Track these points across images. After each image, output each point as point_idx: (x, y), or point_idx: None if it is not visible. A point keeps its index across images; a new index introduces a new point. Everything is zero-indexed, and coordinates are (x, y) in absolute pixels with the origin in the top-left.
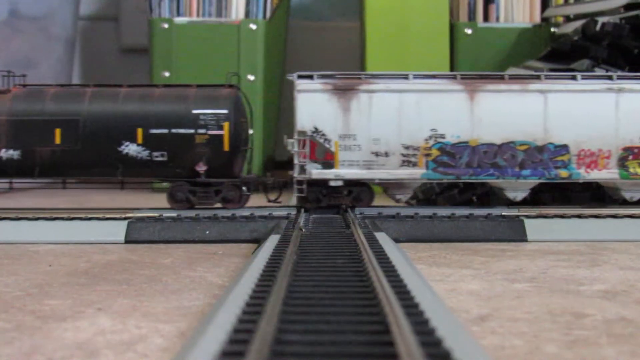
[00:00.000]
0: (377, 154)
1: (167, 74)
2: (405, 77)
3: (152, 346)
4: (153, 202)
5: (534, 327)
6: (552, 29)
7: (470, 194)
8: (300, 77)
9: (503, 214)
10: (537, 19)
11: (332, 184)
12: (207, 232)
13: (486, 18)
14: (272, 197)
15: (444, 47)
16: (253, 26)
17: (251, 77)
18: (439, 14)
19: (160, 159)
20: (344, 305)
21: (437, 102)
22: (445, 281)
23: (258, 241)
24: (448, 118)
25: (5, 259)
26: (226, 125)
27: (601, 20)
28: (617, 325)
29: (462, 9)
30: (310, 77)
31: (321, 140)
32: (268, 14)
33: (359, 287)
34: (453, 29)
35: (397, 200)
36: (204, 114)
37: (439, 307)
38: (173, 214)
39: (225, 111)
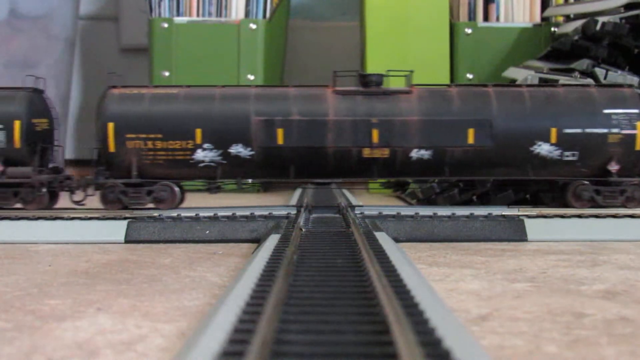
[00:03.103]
0: None
1: (167, 74)
2: None
3: (152, 346)
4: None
5: (534, 327)
6: (552, 29)
7: (470, 194)
8: None
9: (503, 213)
10: (537, 18)
11: None
12: (207, 231)
13: (486, 18)
14: None
15: (444, 46)
16: (253, 26)
17: (251, 77)
18: (439, 14)
19: (570, 158)
20: (344, 305)
21: None
22: (445, 281)
23: (258, 241)
24: None
25: (5, 259)
26: (638, 124)
27: (601, 20)
28: (617, 325)
29: (462, 8)
30: None
31: None
32: (268, 14)
33: (359, 286)
34: (453, 28)
35: None
36: (616, 114)
37: (439, 307)
38: (173, 213)
39: (636, 111)
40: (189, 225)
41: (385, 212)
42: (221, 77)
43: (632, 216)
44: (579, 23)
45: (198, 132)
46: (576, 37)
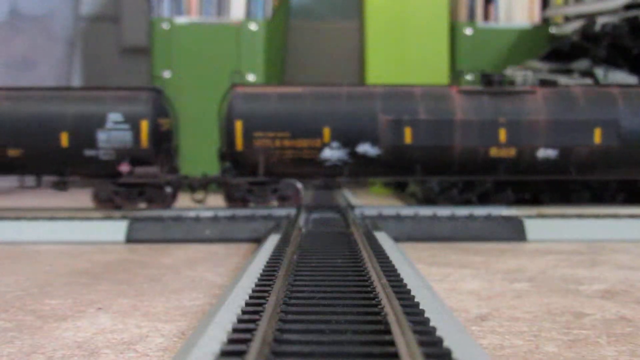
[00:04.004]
0: None
1: (167, 74)
2: None
3: (152, 346)
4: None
5: (534, 327)
6: (552, 29)
7: (470, 194)
8: None
9: (503, 214)
10: (537, 19)
11: None
12: (208, 231)
13: (486, 18)
14: None
15: (444, 47)
16: (253, 26)
17: (251, 77)
18: (439, 14)
19: None
20: (344, 305)
21: None
22: (445, 281)
23: (258, 241)
24: None
25: (5, 259)
26: None
27: (601, 20)
28: (616, 324)
29: (462, 9)
30: None
31: None
32: (268, 14)
33: (359, 286)
34: (453, 29)
35: None
36: None
37: (438, 307)
38: (173, 213)
39: None
40: (189, 225)
41: (385, 212)
42: (221, 77)
43: (632, 216)
44: (578, 23)
45: (326, 131)
46: (576, 38)
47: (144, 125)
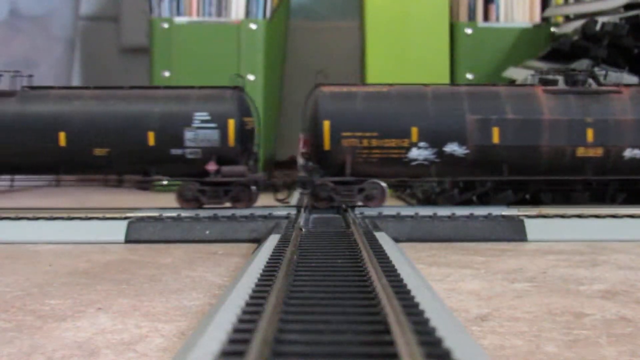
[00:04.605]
0: None
1: (167, 74)
2: None
3: (152, 346)
4: (153, 202)
5: (534, 327)
6: (552, 29)
7: (470, 194)
8: None
9: (503, 213)
10: (537, 19)
11: None
12: (207, 231)
13: (486, 18)
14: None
15: (444, 47)
16: (253, 26)
17: (251, 77)
18: (439, 14)
19: None
20: (344, 305)
21: None
22: (445, 281)
23: (258, 241)
24: None
25: (5, 259)
26: None
27: (601, 20)
28: (617, 325)
29: (462, 9)
30: None
31: None
32: (268, 14)
33: (359, 286)
34: (453, 29)
35: None
36: None
37: (439, 307)
38: (173, 213)
39: None
40: (189, 225)
41: (385, 212)
42: (221, 77)
43: (632, 216)
44: (578, 23)
45: (414, 131)
46: (576, 38)
47: (231, 124)
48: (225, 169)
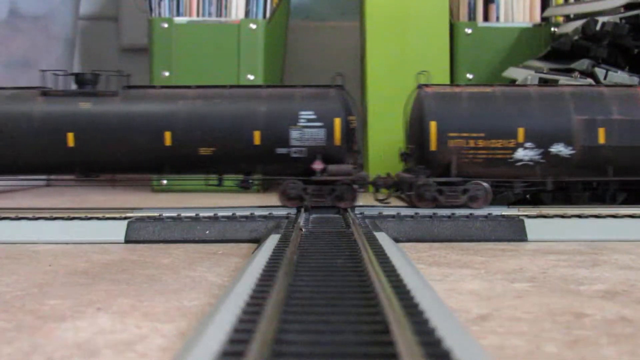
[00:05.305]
0: None
1: (167, 74)
2: None
3: (152, 346)
4: (153, 202)
5: (534, 327)
6: (552, 29)
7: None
8: None
9: (503, 213)
10: (537, 18)
11: None
12: (207, 231)
13: (486, 18)
14: None
15: (444, 47)
16: (253, 26)
17: (251, 77)
18: (439, 14)
19: None
20: (343, 305)
21: None
22: (445, 281)
23: (258, 241)
24: None
25: (5, 259)
26: None
27: (601, 20)
28: (617, 325)
29: (462, 8)
30: None
31: None
32: (268, 14)
33: (359, 286)
34: (453, 28)
35: None
36: None
37: (438, 307)
38: (173, 213)
39: None
40: (189, 225)
41: (385, 212)
42: (221, 77)
43: (632, 216)
44: (579, 23)
45: (520, 131)
46: (576, 37)
47: (337, 123)
48: (332, 167)
